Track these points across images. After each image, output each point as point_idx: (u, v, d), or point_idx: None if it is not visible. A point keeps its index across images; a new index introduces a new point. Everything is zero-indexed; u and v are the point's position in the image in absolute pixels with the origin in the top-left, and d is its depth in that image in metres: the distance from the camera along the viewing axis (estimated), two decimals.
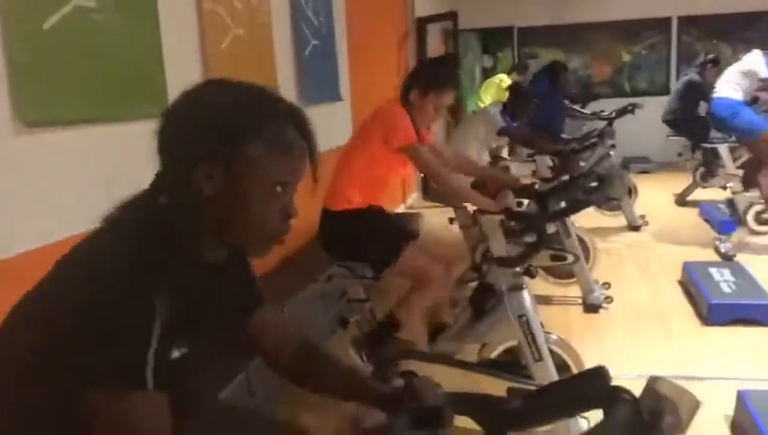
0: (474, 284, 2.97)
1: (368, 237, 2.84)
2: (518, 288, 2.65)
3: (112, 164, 2.42)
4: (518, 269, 2.65)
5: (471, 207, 3.38)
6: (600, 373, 1.01)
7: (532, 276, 2.67)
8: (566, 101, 7.39)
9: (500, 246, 2.69)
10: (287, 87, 4.19)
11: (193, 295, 1.05)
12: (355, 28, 5.45)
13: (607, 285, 4.45)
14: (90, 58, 2.47)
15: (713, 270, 4.47)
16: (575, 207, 3.15)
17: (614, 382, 0.93)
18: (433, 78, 2.94)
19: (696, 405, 0.89)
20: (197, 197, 1.06)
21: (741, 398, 2.81)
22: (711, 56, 7.44)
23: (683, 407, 0.88)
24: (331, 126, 4.54)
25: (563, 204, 3.34)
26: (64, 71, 2.34)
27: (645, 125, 8.02)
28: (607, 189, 3.30)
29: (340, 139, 3.31)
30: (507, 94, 5.16)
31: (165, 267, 1.00)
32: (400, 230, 2.96)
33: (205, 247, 1.11)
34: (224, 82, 1.16)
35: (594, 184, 3.00)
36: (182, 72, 2.98)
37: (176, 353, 1.02)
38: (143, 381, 0.95)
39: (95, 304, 0.94)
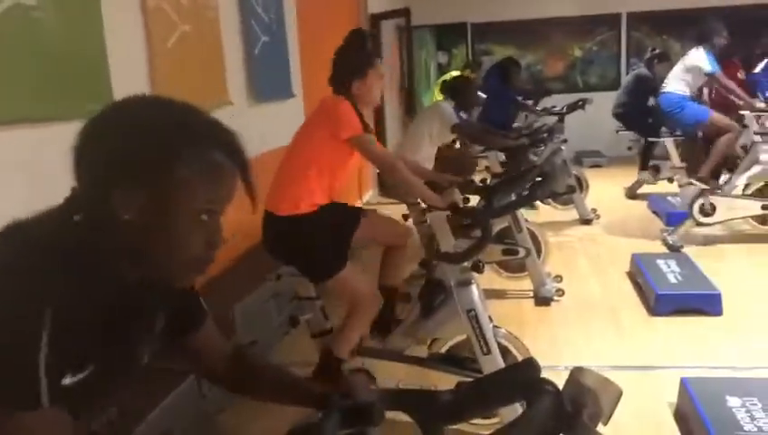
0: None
1: (307, 249, 2.78)
2: (466, 283, 2.68)
3: (53, 164, 2.36)
4: (466, 265, 2.67)
5: (423, 204, 3.39)
6: (529, 365, 1.03)
7: (480, 272, 2.69)
8: (519, 97, 7.47)
9: (448, 242, 2.71)
10: (237, 84, 4.15)
11: (101, 312, 0.99)
12: (307, 24, 5.42)
13: (558, 278, 4.53)
14: (29, 55, 2.41)
15: (660, 261, 4.58)
16: (519, 202, 3.18)
17: (561, 375, 0.95)
18: (357, 61, 2.90)
19: (618, 395, 0.91)
20: (114, 220, 0.99)
21: (683, 385, 2.89)
22: (657, 51, 7.61)
23: (605, 397, 0.90)
24: (284, 123, 4.50)
25: (512, 198, 3.38)
26: (2, 69, 2.28)
27: (597, 120, 8.15)
28: (551, 185, 3.34)
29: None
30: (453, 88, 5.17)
31: (63, 281, 0.94)
32: (339, 248, 2.86)
33: (123, 269, 1.04)
34: (150, 100, 1.09)
35: (539, 179, 3.04)
36: (127, 69, 2.93)
37: (72, 378, 0.96)
38: (36, 399, 0.89)
39: None
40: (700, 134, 6.51)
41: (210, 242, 1.04)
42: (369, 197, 7.68)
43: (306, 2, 5.39)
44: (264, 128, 4.42)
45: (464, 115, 5.09)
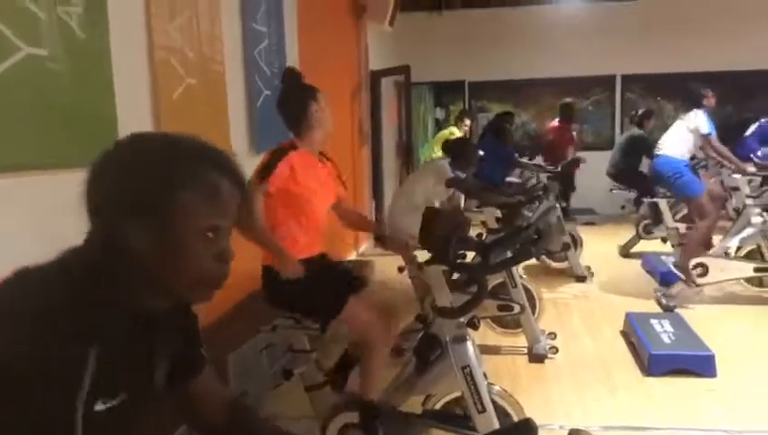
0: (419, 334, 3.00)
1: (309, 292, 2.80)
2: (462, 339, 2.69)
3: (64, 211, 2.39)
4: (462, 320, 2.69)
5: (420, 257, 3.42)
6: (526, 426, 1.05)
7: (476, 328, 2.71)
8: (515, 154, 7.59)
9: (444, 297, 2.73)
10: (239, 136, 4.22)
11: (126, 348, 1.05)
12: (309, 80, 5.51)
13: (552, 335, 4.53)
14: (42, 105, 2.47)
15: (654, 321, 4.60)
16: (515, 259, 3.23)
17: (555, 434, 0.97)
18: (304, 92, 3.01)
19: None
20: (129, 252, 1.06)
21: None
22: (642, 110, 7.76)
23: None
24: None
25: (508, 255, 3.42)
26: (15, 117, 2.33)
27: (591, 178, 8.27)
28: (546, 243, 3.39)
29: None
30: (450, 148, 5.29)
31: (98, 319, 1.00)
32: (343, 283, 2.94)
33: (144, 298, 1.10)
34: (145, 135, 1.17)
35: (534, 237, 3.09)
36: (134, 119, 2.99)
37: (104, 405, 1.00)
38: (72, 431, 0.94)
39: (21, 356, 0.93)
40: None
41: (220, 256, 1.11)
42: (364, 248, 7.72)
43: (309, 57, 5.51)
44: None
45: (460, 174, 5.18)
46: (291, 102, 3.04)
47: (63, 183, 2.48)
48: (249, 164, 4.29)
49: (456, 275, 3.04)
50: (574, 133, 8.82)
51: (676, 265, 5.53)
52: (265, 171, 2.83)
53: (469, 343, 2.70)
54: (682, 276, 5.44)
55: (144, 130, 1.19)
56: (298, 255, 2.85)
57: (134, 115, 3.02)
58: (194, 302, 1.21)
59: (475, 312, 2.71)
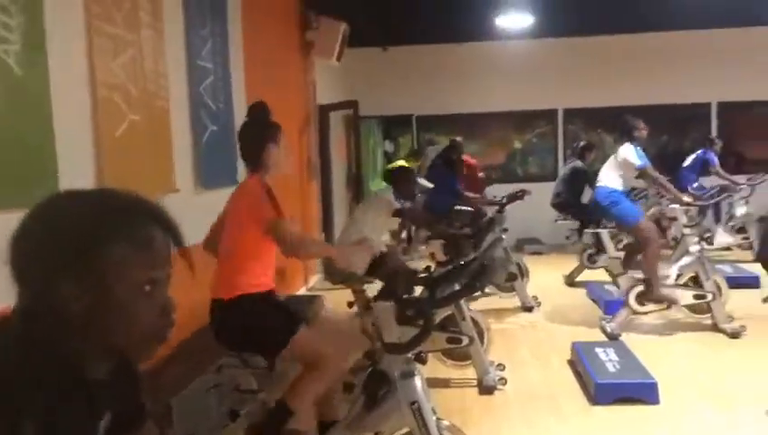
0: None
1: (258, 326, 2.81)
2: (410, 375, 2.69)
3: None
4: (410, 355, 2.69)
5: (370, 292, 3.43)
6: None
7: (423, 363, 2.72)
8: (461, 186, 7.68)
9: (391, 332, 2.74)
10: (184, 172, 4.18)
11: (65, 412, 1.00)
12: None
13: (501, 366, 4.56)
14: None
15: (599, 350, 4.68)
16: (461, 293, 3.26)
17: None
18: (269, 127, 3.05)
19: None
20: (66, 315, 1.01)
21: None
22: (583, 143, 7.99)
23: None
24: None
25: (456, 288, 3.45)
26: None
27: (537, 209, 8.42)
28: (490, 276, 3.44)
29: None
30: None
31: (34, 388, 0.96)
32: (291, 316, 2.93)
33: (85, 361, 1.06)
34: (71, 192, 1.13)
35: (479, 271, 3.14)
36: (74, 157, 2.94)
37: None
38: None
39: None
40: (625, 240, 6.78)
41: (162, 309, 1.08)
42: (314, 282, 7.67)
43: (256, 92, 5.51)
44: (210, 214, 4.43)
45: (406, 203, 5.23)
46: (250, 138, 3.07)
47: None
48: (194, 201, 4.29)
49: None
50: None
51: (655, 300, 5.58)
52: (278, 208, 2.88)
53: (417, 379, 2.70)
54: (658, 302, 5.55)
55: (71, 188, 1.15)
56: (261, 288, 2.86)
57: (75, 153, 2.97)
58: (137, 359, 1.17)
59: (423, 346, 2.72)
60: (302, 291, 7.17)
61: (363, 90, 9.25)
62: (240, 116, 5.22)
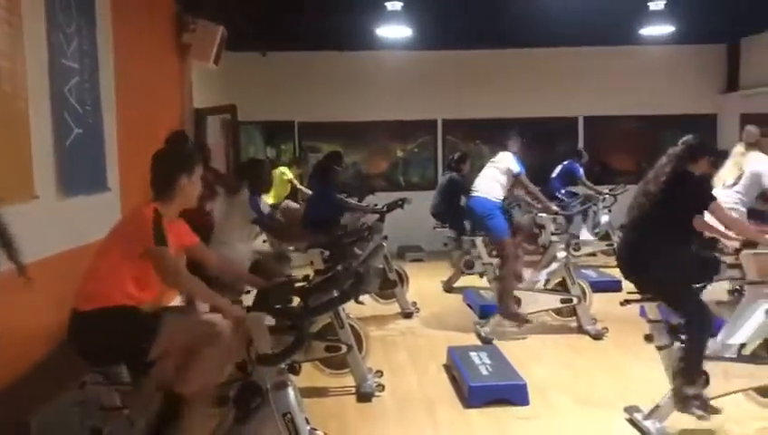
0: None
1: (122, 337, 2.70)
2: (283, 386, 2.65)
3: None
4: (282, 366, 2.66)
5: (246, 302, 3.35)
6: None
7: (297, 373, 2.69)
8: (342, 195, 7.71)
9: (265, 344, 2.69)
10: (45, 177, 3.92)
11: None
12: (127, 118, 5.29)
13: (379, 372, 4.60)
14: None
15: (473, 354, 4.82)
16: (334, 303, 3.26)
17: None
18: (185, 157, 2.98)
19: None
20: None
21: None
22: (458, 155, 8.25)
23: None
24: (96, 218, 4.30)
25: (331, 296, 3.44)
26: None
27: (418, 217, 8.56)
28: (364, 285, 3.49)
29: (107, 231, 3.15)
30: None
31: None
32: (152, 327, 2.79)
33: None
34: None
35: (352, 280, 3.16)
36: None
37: None
38: None
39: None
40: None
41: None
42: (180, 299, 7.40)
43: (127, 95, 5.29)
44: (74, 222, 4.19)
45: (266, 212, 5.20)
46: (162, 167, 2.96)
47: None
48: (56, 209, 4.04)
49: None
50: None
51: (503, 315, 5.80)
52: (162, 239, 2.75)
53: (290, 389, 2.67)
54: (508, 319, 5.75)
55: None
56: (122, 302, 2.76)
57: None
58: None
59: (302, 355, 2.70)
60: (177, 302, 6.91)
61: (243, 94, 9.07)
62: (110, 118, 5.00)
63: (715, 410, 3.56)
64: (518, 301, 5.73)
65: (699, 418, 3.56)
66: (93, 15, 4.77)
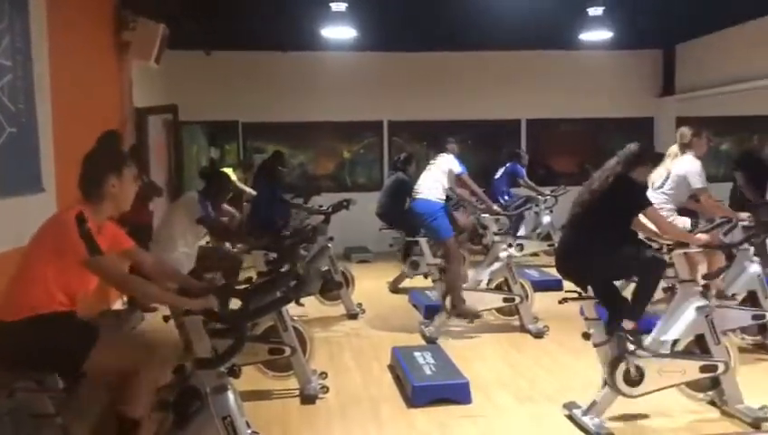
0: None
1: (56, 345, 2.61)
2: (222, 389, 2.63)
3: None
4: (222, 369, 2.63)
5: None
6: None
7: (237, 376, 2.66)
8: (288, 195, 7.67)
9: (203, 347, 2.65)
10: None
11: None
12: (64, 117, 5.14)
13: (324, 374, 4.59)
14: None
15: (417, 354, 4.86)
16: (274, 305, 3.24)
17: None
18: (113, 159, 2.88)
19: None
20: None
21: None
22: (403, 156, 8.29)
23: None
24: (30, 220, 4.16)
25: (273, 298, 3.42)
26: None
27: (364, 217, 8.58)
28: (305, 287, 3.48)
29: None
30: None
31: None
32: (86, 334, 2.71)
33: None
34: None
35: (293, 282, 3.14)
36: None
37: None
38: None
39: None
40: None
41: None
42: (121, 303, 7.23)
43: (63, 93, 5.14)
44: (8, 224, 4.06)
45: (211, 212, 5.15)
46: (92, 167, 2.85)
47: None
48: None
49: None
50: None
51: (456, 314, 5.85)
52: (94, 246, 2.64)
53: (230, 393, 2.64)
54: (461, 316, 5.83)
55: None
56: (50, 310, 2.65)
57: None
58: None
59: (245, 357, 2.68)
60: (117, 305, 6.74)
61: (185, 94, 8.91)
62: (45, 117, 4.85)
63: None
64: (462, 300, 5.79)
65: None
66: (27, 11, 4.62)
